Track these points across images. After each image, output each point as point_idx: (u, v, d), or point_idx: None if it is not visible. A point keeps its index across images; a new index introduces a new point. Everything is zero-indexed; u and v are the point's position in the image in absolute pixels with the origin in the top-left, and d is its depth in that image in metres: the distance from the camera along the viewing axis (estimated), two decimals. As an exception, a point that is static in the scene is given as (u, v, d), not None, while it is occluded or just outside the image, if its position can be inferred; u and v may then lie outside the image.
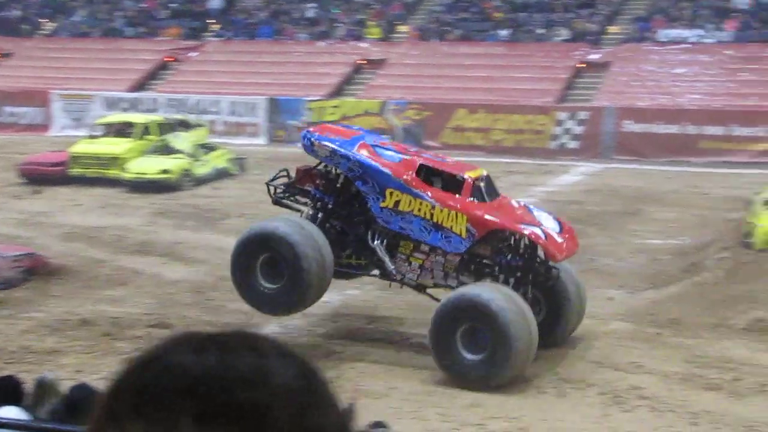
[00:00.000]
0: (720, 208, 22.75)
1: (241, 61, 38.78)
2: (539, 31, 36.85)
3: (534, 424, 12.12)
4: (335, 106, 34.58)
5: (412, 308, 16.04)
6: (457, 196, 13.92)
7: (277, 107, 35.04)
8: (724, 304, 16.38)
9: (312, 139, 14.73)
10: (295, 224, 13.94)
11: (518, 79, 34.28)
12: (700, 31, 34.58)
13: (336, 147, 14.39)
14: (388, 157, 14.42)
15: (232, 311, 16.28)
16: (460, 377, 13.12)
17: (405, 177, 14.00)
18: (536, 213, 14.53)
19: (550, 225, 14.09)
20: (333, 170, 14.82)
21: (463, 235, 13.63)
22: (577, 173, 29.18)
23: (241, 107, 35.40)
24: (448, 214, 13.70)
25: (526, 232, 13.86)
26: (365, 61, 36.78)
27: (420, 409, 12.63)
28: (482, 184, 14.25)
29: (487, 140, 32.23)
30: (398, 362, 14.17)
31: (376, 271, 14.77)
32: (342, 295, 17.08)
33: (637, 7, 37.55)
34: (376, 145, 14.88)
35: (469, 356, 12.97)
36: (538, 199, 25.51)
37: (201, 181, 27.31)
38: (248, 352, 1.27)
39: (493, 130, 32.36)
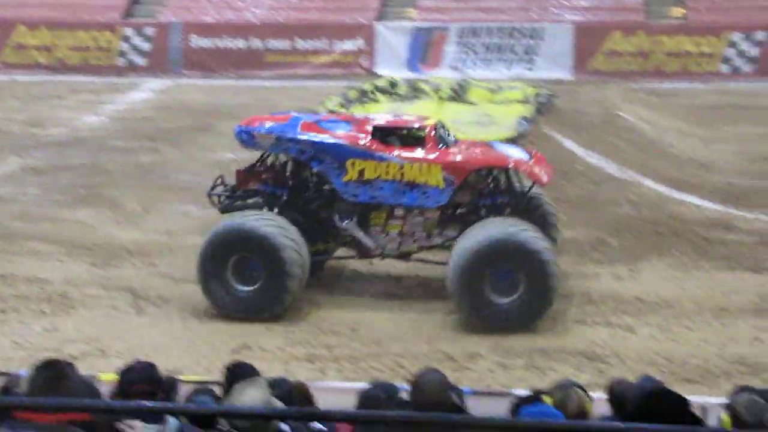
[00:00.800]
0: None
1: None
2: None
3: (113, 344, 11.94)
4: None
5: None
6: (421, 148, 13.17)
7: None
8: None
9: (251, 132, 13.43)
10: (263, 217, 12.95)
11: (80, -6, 33.21)
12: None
13: (280, 133, 13.25)
14: (337, 129, 13.41)
15: None
16: (492, 323, 12.47)
17: (363, 143, 13.06)
18: (502, 147, 13.86)
19: (521, 155, 13.45)
20: (278, 160, 13.78)
21: (441, 185, 12.89)
22: (146, 90, 28.78)
23: None
24: (420, 168, 12.88)
25: (509, 164, 13.19)
26: None
27: (-9, 340, 12.13)
28: (441, 131, 13.48)
29: (50, 58, 31.04)
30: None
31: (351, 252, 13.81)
32: None
33: None
34: (320, 120, 13.90)
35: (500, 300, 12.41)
36: (107, 117, 25.05)
37: None
38: None
39: (57, 47, 31.20)
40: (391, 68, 28.75)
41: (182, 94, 27.80)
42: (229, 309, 12.87)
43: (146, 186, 18.88)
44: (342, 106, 20.20)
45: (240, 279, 12.81)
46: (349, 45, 30.31)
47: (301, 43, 30.58)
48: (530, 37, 29.41)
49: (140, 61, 30.94)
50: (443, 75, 26.72)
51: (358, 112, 19.75)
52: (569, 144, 19.16)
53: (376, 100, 20.70)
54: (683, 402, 5.34)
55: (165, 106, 26.33)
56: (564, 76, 28.28)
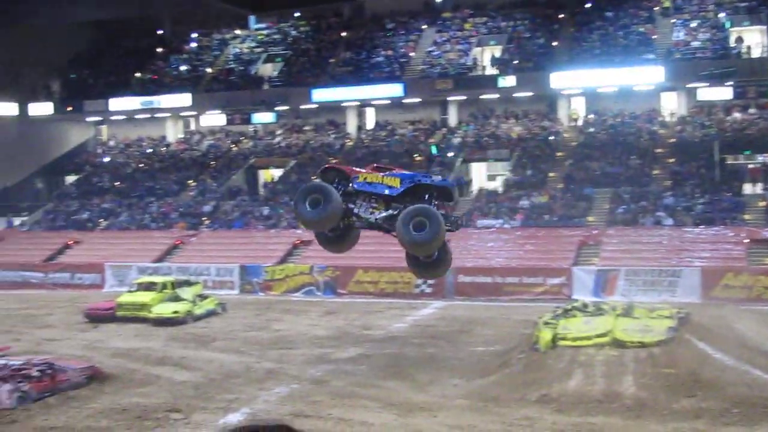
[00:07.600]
0: (518, 327, 22.94)
1: (223, 243, 38.36)
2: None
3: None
4: (281, 269, 34.34)
5: None
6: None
7: (245, 270, 34.63)
8: (524, 385, 16.42)
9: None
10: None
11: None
12: (500, 220, 35.45)
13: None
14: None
15: (221, 400, 15.84)
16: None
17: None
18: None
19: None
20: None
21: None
22: (431, 308, 29.27)
23: (222, 271, 34.93)
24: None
25: None
26: (299, 241, 36.62)
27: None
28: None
29: (376, 288, 32.18)
30: None
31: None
32: None
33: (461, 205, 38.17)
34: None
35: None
36: (408, 324, 25.52)
37: (198, 318, 26.75)
38: None
39: (380, 282, 32.37)
40: (583, 295, 28.22)
41: (453, 310, 28.07)
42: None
43: (432, 367, 19.03)
44: (552, 319, 19.87)
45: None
46: (556, 280, 30.06)
47: (526, 279, 30.53)
48: (672, 275, 28.36)
49: (428, 290, 31.53)
50: (617, 299, 25.92)
51: (562, 324, 19.33)
52: (701, 345, 17.96)
53: (574, 315, 20.26)
54: None
55: (442, 317, 26.64)
56: (695, 301, 26.86)
